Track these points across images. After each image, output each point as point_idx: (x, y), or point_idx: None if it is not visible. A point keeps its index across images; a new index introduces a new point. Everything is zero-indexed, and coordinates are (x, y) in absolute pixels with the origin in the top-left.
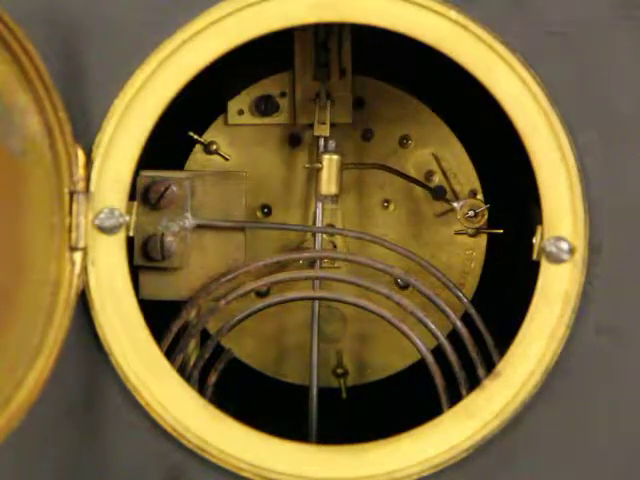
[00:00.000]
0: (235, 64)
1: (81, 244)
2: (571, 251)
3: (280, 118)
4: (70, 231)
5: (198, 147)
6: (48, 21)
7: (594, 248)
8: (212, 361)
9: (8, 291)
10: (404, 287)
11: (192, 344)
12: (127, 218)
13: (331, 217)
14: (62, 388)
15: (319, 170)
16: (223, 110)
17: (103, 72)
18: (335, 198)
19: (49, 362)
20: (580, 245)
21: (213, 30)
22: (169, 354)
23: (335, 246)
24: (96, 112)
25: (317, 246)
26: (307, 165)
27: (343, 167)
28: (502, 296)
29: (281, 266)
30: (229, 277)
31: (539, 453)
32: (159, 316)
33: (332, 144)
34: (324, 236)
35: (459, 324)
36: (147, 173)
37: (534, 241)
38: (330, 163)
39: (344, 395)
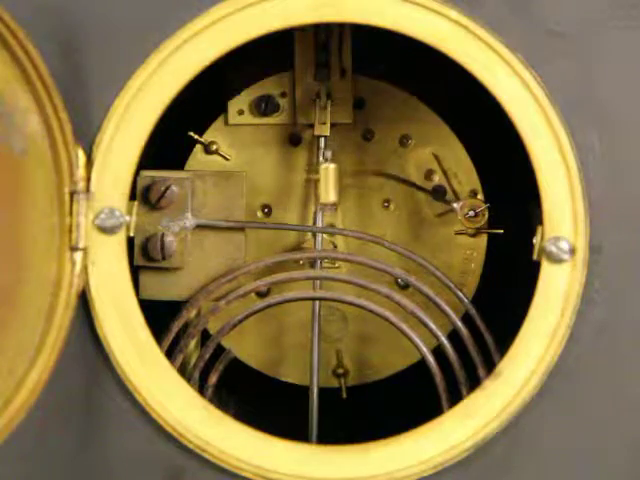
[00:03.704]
0: (235, 64)
1: (81, 244)
2: (571, 251)
3: (280, 118)
4: (70, 231)
5: (198, 147)
6: (48, 21)
7: (594, 248)
8: (212, 361)
9: (8, 291)
10: (404, 287)
11: (192, 344)
12: (127, 218)
13: (331, 217)
14: (62, 388)
15: (317, 180)
16: (223, 110)
17: (103, 72)
18: (334, 207)
19: (49, 362)
20: (580, 245)
21: (213, 30)
22: (169, 354)
23: (335, 246)
24: (96, 112)
25: (317, 246)
26: (306, 176)
27: (340, 174)
28: (502, 296)
29: (281, 266)
30: (229, 277)
31: (539, 453)
32: (159, 316)
33: (328, 153)
34: (324, 236)
35: (459, 324)
36: (147, 173)
37: (534, 241)
38: (327, 173)
39: (344, 395)
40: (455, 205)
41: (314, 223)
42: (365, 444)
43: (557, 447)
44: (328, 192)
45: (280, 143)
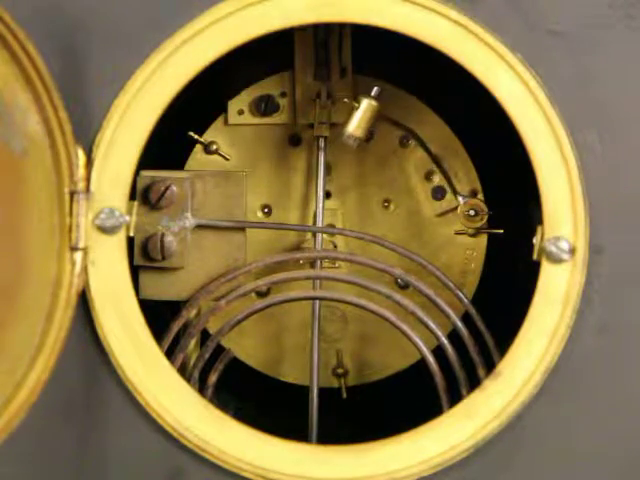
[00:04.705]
0: (235, 64)
1: (81, 244)
2: (571, 251)
3: (280, 118)
4: (70, 231)
5: (198, 147)
6: (48, 21)
7: (594, 248)
8: (212, 361)
9: (9, 291)
10: (404, 287)
11: (192, 344)
12: (127, 218)
13: (331, 217)
14: (62, 388)
15: (354, 109)
16: (223, 110)
17: (103, 72)
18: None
19: (49, 362)
20: (580, 245)
21: (213, 30)
22: (169, 354)
23: (335, 246)
24: (96, 112)
25: (317, 246)
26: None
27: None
28: (502, 296)
29: (281, 266)
30: (229, 277)
31: (539, 453)
32: (159, 316)
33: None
34: (324, 236)
35: (459, 324)
36: (147, 173)
37: (534, 241)
38: (368, 107)
39: (344, 395)
40: (460, 199)
41: (314, 223)
42: (365, 444)
43: (557, 447)
44: (360, 125)
45: (280, 143)
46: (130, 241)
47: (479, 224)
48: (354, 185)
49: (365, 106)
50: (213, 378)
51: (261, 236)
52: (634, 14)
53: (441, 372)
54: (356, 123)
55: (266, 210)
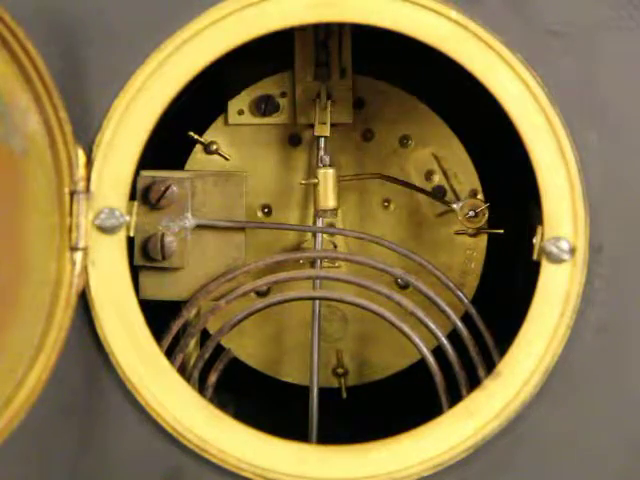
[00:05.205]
0: (235, 64)
1: (81, 244)
2: (571, 251)
3: (280, 118)
4: (70, 231)
5: (198, 147)
6: (48, 21)
7: (594, 248)
8: (212, 361)
9: (8, 291)
10: (404, 287)
11: (192, 344)
12: (127, 218)
13: (331, 217)
14: (62, 388)
15: (315, 185)
16: (223, 110)
17: (103, 72)
18: (334, 211)
19: (49, 362)
20: (580, 245)
21: (213, 30)
22: (169, 354)
23: (335, 246)
24: (96, 112)
25: (317, 246)
26: (302, 182)
27: (339, 179)
28: (502, 296)
29: (281, 266)
30: (229, 277)
31: (539, 453)
32: (159, 316)
33: (326, 158)
34: (324, 236)
35: (459, 324)
36: (147, 173)
37: (534, 241)
38: (325, 177)
39: (344, 395)
40: (455, 205)
41: (314, 223)
42: (365, 444)
43: (557, 447)
44: (327, 197)
45: (280, 143)
46: (130, 241)
47: (479, 224)
48: (354, 185)
49: (322, 177)
50: (213, 378)
51: (261, 236)
52: (634, 14)
53: (441, 372)
54: (323, 197)
55: (266, 210)
